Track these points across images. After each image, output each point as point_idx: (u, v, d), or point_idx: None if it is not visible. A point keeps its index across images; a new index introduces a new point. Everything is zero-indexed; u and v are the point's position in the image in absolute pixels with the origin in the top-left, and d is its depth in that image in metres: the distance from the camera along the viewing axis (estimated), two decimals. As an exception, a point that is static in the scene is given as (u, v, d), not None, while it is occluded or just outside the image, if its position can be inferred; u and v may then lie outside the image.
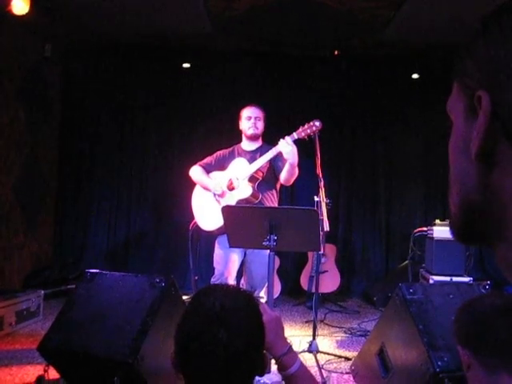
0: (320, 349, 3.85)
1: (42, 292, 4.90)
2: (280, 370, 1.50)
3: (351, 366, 3.29)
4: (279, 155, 3.75)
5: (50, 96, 6.34)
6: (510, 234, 0.49)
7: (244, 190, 3.81)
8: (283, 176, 3.79)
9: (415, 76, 6.59)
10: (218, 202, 3.88)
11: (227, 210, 3.21)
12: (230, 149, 4.10)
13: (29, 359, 3.62)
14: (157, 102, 6.72)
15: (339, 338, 4.54)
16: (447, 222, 4.78)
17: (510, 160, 0.48)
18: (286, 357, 1.48)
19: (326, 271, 5.81)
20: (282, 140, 3.64)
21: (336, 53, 6.54)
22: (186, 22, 5.65)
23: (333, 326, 4.93)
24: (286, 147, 3.58)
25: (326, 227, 3.62)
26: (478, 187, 0.52)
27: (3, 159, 5.37)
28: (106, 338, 2.47)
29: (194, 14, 5.39)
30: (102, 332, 2.52)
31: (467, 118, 0.53)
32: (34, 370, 3.35)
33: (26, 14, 4.65)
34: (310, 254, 5.93)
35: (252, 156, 3.94)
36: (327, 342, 4.38)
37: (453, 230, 0.58)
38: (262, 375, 1.30)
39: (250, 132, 3.97)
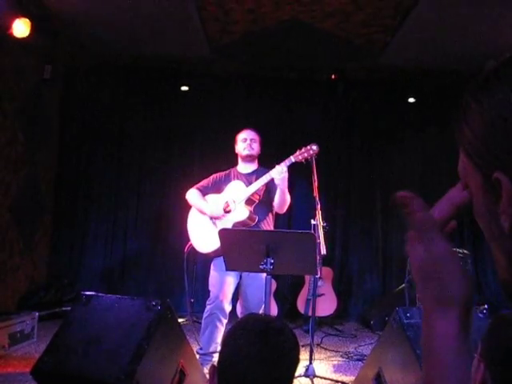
0: (317, 373, 3.81)
1: (37, 314, 4.85)
2: None
3: (348, 391, 3.26)
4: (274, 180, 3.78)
5: (49, 117, 6.37)
6: None
7: (241, 213, 3.81)
8: (276, 201, 3.81)
9: (411, 100, 6.66)
10: (215, 224, 3.87)
11: (224, 233, 3.21)
12: (227, 172, 4.11)
13: (22, 383, 3.57)
14: (155, 124, 6.76)
15: (336, 363, 4.51)
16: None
17: None
18: None
19: (323, 294, 5.79)
20: (277, 166, 3.66)
21: (333, 77, 6.61)
22: (185, 46, 5.72)
23: (330, 350, 4.89)
24: (279, 174, 3.61)
25: (323, 250, 3.61)
26: None
27: (0, 179, 5.37)
28: (101, 362, 2.44)
29: (192, 39, 5.46)
30: (97, 355, 2.49)
31: (486, 192, 0.55)
32: (27, 394, 3.30)
33: (27, 36, 4.70)
34: (306, 277, 5.91)
35: (248, 179, 3.95)
36: (324, 366, 4.35)
37: (502, 286, 0.60)
38: None
39: (245, 153, 3.98)
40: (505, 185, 0.50)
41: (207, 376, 2.89)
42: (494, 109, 0.51)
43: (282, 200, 3.77)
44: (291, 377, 1.35)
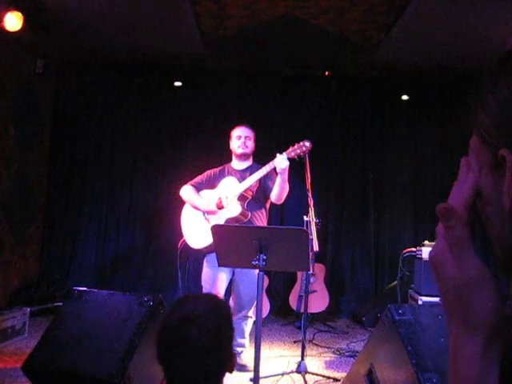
0: (309, 369, 3.82)
1: (28, 309, 4.83)
2: None
3: (340, 388, 3.27)
4: (270, 174, 3.77)
5: (41, 112, 6.33)
6: None
7: (233, 209, 3.81)
8: (275, 191, 3.80)
9: (405, 97, 6.67)
10: (207, 220, 3.87)
11: (217, 230, 3.20)
12: (221, 168, 4.11)
13: (12, 378, 3.56)
14: (148, 119, 6.73)
15: (328, 359, 4.52)
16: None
17: None
18: None
19: (315, 291, 5.80)
20: (278, 155, 3.66)
21: (327, 73, 6.61)
22: (179, 41, 5.69)
23: (321, 347, 4.91)
24: (283, 163, 3.60)
25: (316, 247, 3.62)
26: None
27: (-8, 174, 5.34)
28: (92, 358, 2.44)
29: (186, 34, 5.44)
30: (88, 351, 2.48)
31: (494, 170, 0.55)
32: (18, 390, 3.29)
33: (19, 30, 4.67)
34: (299, 274, 5.92)
35: (242, 175, 3.95)
36: (316, 362, 4.36)
37: (499, 268, 0.60)
38: (230, 373, 1.50)
39: (240, 151, 3.99)
40: (509, 161, 0.51)
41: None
42: (509, 88, 0.51)
43: (282, 188, 3.76)
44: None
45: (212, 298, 1.60)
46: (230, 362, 1.49)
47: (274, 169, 3.70)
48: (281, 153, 3.71)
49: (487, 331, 0.56)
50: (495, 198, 0.56)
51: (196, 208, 3.95)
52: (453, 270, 0.58)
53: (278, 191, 3.78)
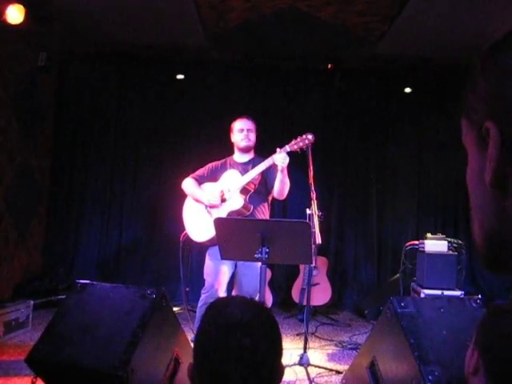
0: (311, 362, 3.83)
1: (32, 302, 4.85)
2: None
3: (342, 380, 3.28)
4: (272, 167, 3.76)
5: (44, 105, 6.33)
6: None
7: (235, 202, 3.81)
8: (276, 187, 3.79)
9: (408, 90, 6.64)
10: (210, 213, 3.87)
11: (219, 223, 3.20)
12: (223, 160, 4.10)
13: (16, 371, 3.58)
14: (150, 112, 6.73)
15: (330, 351, 4.53)
16: (439, 236, 4.80)
17: None
18: None
19: (318, 284, 5.80)
20: (276, 154, 3.65)
21: (329, 66, 6.59)
22: (181, 34, 5.68)
23: (324, 339, 4.92)
24: (283, 160, 3.59)
25: (318, 240, 3.61)
26: (496, 214, 0.53)
27: (-5, 168, 5.35)
28: (95, 350, 2.45)
29: (188, 26, 5.42)
30: (91, 344, 2.49)
31: (479, 148, 0.55)
32: (22, 382, 3.31)
33: (21, 23, 4.66)
34: (301, 267, 5.92)
35: (244, 168, 3.94)
36: (318, 354, 4.37)
37: (481, 261, 0.58)
38: None
39: (243, 144, 3.98)
40: (492, 132, 0.51)
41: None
42: (497, 64, 0.52)
43: (283, 184, 3.75)
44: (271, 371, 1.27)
45: (253, 301, 1.41)
46: (281, 375, 1.31)
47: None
48: (283, 146, 3.71)
49: None
50: (478, 176, 0.55)
51: (198, 201, 3.95)
52: None
53: (280, 187, 3.77)
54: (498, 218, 0.53)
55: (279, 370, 1.29)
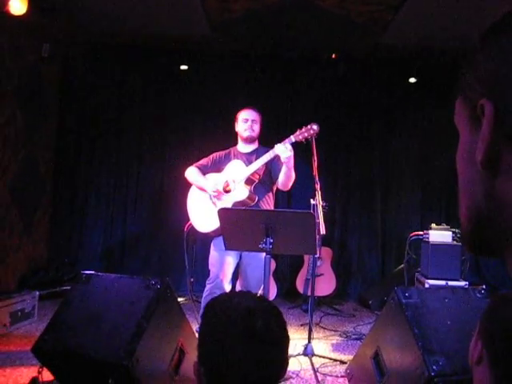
0: (315, 352, 3.84)
1: (37, 293, 4.88)
2: None
3: (346, 370, 3.29)
4: (276, 158, 3.74)
5: (48, 96, 6.32)
6: None
7: (240, 192, 3.81)
8: (281, 179, 3.78)
9: (412, 80, 6.60)
10: (214, 203, 3.87)
11: (223, 213, 3.20)
12: (226, 151, 4.09)
13: (23, 361, 3.61)
14: (154, 103, 6.72)
15: (334, 342, 4.54)
16: (443, 226, 4.79)
17: None
18: None
19: (322, 274, 5.81)
20: (279, 144, 3.63)
21: (334, 56, 6.55)
22: (184, 25, 5.66)
23: (328, 330, 4.93)
24: (285, 152, 3.58)
25: (323, 230, 3.62)
26: (485, 195, 0.52)
27: (-1, 159, 5.35)
28: (100, 340, 2.46)
29: (191, 17, 5.40)
30: (96, 334, 2.51)
31: (472, 128, 0.54)
32: (28, 372, 3.34)
33: (24, 14, 4.64)
34: (305, 257, 5.93)
35: (248, 158, 3.93)
36: (322, 345, 4.38)
37: (464, 242, 0.58)
38: (279, 381, 1.32)
39: (247, 134, 3.97)
40: (487, 110, 0.50)
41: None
42: (496, 42, 0.52)
43: (287, 177, 3.74)
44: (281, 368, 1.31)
45: (257, 295, 1.44)
46: (285, 368, 1.33)
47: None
48: (288, 136, 3.70)
49: None
50: (468, 156, 0.54)
51: (202, 189, 3.95)
52: None
53: (284, 179, 3.76)
54: (486, 198, 0.52)
55: (287, 356, 1.32)
